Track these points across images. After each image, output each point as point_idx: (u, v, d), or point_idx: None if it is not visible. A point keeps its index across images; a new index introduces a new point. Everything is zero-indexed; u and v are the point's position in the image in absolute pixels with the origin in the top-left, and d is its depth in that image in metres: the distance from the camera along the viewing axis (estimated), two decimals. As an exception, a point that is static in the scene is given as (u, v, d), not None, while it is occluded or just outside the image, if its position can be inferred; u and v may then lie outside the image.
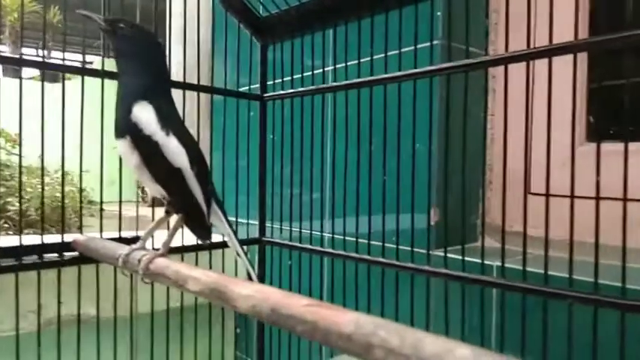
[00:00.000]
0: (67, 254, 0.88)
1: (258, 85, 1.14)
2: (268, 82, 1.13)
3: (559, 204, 0.69)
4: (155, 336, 1.03)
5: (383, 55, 0.85)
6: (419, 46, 0.82)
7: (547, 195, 0.69)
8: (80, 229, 0.98)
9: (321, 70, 0.99)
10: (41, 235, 0.87)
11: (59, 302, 0.89)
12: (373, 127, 0.93)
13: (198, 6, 1.06)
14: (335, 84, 0.95)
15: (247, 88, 1.16)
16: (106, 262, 0.82)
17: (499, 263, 0.74)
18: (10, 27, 4.44)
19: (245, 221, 1.20)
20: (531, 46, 0.68)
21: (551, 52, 0.64)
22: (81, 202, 1.01)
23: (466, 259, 0.77)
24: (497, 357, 0.31)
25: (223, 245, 1.12)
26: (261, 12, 1.08)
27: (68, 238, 0.88)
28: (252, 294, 0.50)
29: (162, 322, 1.05)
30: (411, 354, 0.35)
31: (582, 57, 1.00)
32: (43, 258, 0.86)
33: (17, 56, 0.87)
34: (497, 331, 0.73)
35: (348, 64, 0.92)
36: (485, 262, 0.78)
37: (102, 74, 0.93)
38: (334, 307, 0.43)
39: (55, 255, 0.88)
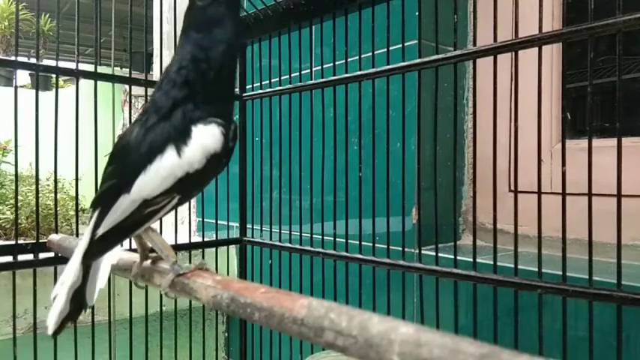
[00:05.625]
0: (43, 255, 0.88)
1: (258, 84, 1.13)
2: (255, 84, 1.14)
3: (534, 200, 0.69)
4: (140, 340, 1.03)
5: (370, 53, 0.85)
6: (395, 46, 0.82)
7: (515, 192, 0.69)
8: (77, 235, 0.97)
9: (305, 69, 0.99)
10: (16, 237, 0.87)
11: (35, 305, 0.89)
12: (351, 125, 0.93)
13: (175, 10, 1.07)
14: (312, 82, 0.96)
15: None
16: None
17: (481, 260, 0.75)
18: (0, 35, 4.44)
19: (233, 224, 1.20)
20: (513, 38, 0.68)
21: (514, 46, 0.65)
22: (77, 207, 1.01)
23: (448, 257, 0.78)
24: (438, 333, 0.31)
25: (217, 244, 1.13)
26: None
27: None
28: (213, 285, 0.50)
29: (155, 326, 1.06)
30: (358, 334, 0.35)
31: (557, 53, 1.02)
32: (17, 258, 0.85)
33: (11, 59, 0.87)
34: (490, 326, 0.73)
35: (337, 62, 0.92)
36: (465, 258, 0.78)
37: (95, 75, 0.93)
38: (290, 294, 0.43)
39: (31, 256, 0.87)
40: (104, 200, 0.53)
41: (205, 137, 0.53)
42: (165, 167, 0.52)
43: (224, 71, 0.57)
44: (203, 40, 0.56)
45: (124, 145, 0.55)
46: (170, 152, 0.52)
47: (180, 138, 0.53)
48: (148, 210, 0.52)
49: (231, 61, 0.58)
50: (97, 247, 0.53)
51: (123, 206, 0.52)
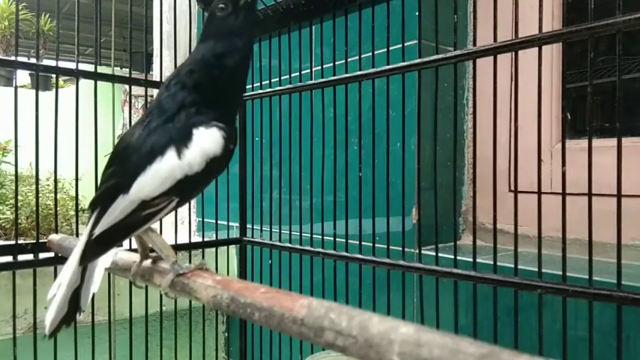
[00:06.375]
0: (43, 255, 0.88)
1: (258, 84, 1.13)
2: (255, 84, 1.14)
3: (534, 200, 0.69)
4: (140, 340, 1.03)
5: (370, 53, 0.85)
6: (395, 46, 0.82)
7: (515, 192, 0.69)
8: (77, 235, 0.97)
9: (305, 69, 0.99)
10: (16, 237, 0.87)
11: (35, 305, 0.89)
12: (351, 125, 0.93)
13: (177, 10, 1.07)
14: (312, 82, 0.96)
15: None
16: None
17: (481, 260, 0.75)
18: (0, 35, 4.45)
19: (233, 224, 1.20)
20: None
21: (514, 46, 0.65)
22: (77, 207, 1.01)
23: (448, 257, 0.78)
24: (438, 333, 0.31)
25: (217, 244, 1.13)
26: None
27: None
28: (213, 285, 0.50)
29: (155, 326, 1.06)
30: (358, 334, 0.35)
31: (557, 53, 1.02)
32: (17, 258, 0.85)
33: (11, 59, 0.87)
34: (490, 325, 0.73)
35: (337, 62, 0.92)
36: (465, 258, 0.78)
37: (95, 75, 0.93)
38: (290, 294, 0.43)
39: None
40: (103, 201, 0.53)
41: (206, 140, 0.53)
42: (165, 169, 0.52)
43: (235, 79, 0.57)
44: (218, 47, 0.56)
45: (125, 147, 0.55)
46: (170, 154, 0.52)
47: (182, 140, 0.53)
48: (145, 212, 0.52)
49: (242, 70, 0.59)
50: (94, 249, 0.52)
51: (121, 207, 0.51)
